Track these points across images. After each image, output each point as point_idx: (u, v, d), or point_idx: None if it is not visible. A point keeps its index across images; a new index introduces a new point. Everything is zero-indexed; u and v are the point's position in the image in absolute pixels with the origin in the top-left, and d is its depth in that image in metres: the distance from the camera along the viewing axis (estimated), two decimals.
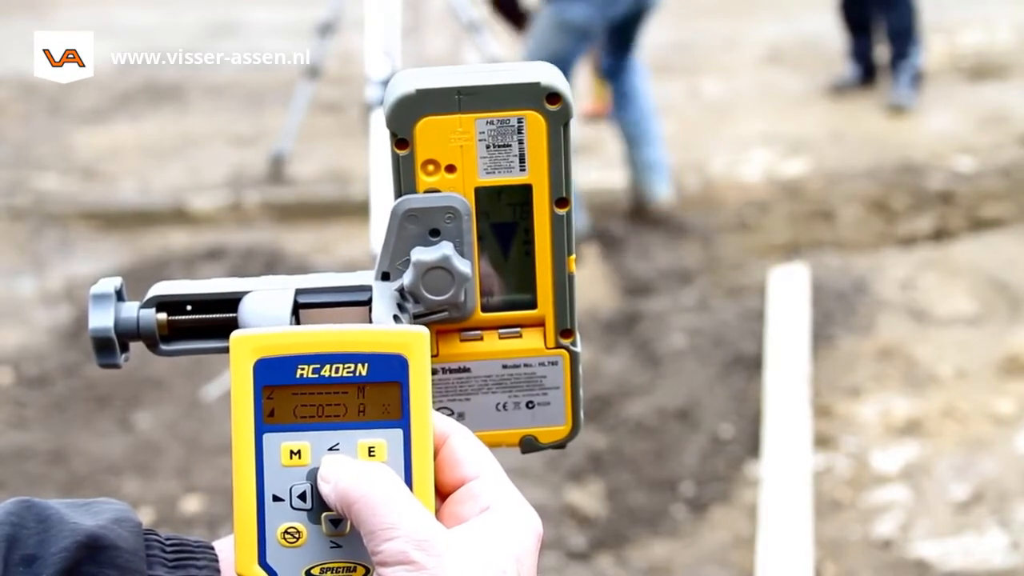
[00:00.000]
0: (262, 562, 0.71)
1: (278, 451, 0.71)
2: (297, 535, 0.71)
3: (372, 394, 0.71)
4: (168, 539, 0.78)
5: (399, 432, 0.70)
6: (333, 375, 0.70)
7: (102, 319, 0.77)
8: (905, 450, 3.43)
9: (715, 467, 3.46)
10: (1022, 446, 3.41)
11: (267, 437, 0.71)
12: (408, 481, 0.70)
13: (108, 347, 0.78)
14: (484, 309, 0.81)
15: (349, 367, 0.70)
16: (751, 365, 3.85)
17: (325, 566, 0.71)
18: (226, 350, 0.77)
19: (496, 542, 0.68)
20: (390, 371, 0.70)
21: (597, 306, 4.34)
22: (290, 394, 0.70)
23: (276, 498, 0.71)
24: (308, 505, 0.70)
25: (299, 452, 0.70)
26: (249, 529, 0.71)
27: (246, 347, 0.71)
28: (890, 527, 3.14)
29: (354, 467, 0.70)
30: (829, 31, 6.95)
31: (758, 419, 3.58)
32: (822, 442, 3.47)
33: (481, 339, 0.81)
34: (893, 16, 6.33)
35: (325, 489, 0.70)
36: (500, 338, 0.81)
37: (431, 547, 0.66)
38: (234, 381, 0.71)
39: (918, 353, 3.86)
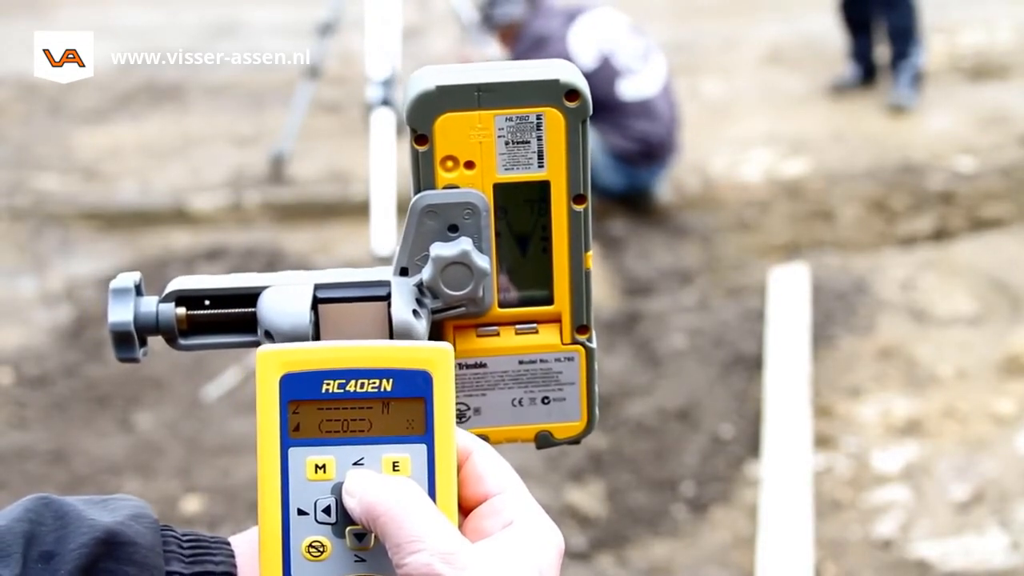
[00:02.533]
0: None
1: (303, 465, 0.71)
2: (321, 549, 0.71)
3: (397, 409, 0.71)
4: (185, 535, 0.78)
5: (423, 447, 0.71)
6: (358, 390, 0.71)
7: (122, 313, 0.77)
8: (905, 450, 3.43)
9: (715, 467, 3.46)
10: (1022, 446, 3.41)
11: (292, 451, 0.71)
12: (432, 496, 0.70)
13: (127, 341, 0.78)
14: (501, 305, 0.81)
15: (374, 382, 0.71)
16: (751, 365, 3.86)
17: None
18: (244, 344, 0.78)
19: (520, 556, 0.69)
20: (415, 387, 0.71)
21: (597, 306, 4.32)
22: (316, 409, 0.71)
23: (301, 512, 0.71)
24: (333, 519, 0.71)
25: (324, 466, 0.71)
26: (274, 543, 0.71)
27: (272, 362, 0.71)
28: (890, 527, 3.14)
29: (380, 481, 0.70)
30: (829, 31, 6.95)
31: (758, 419, 3.58)
32: (822, 442, 3.47)
33: (498, 335, 0.82)
34: (894, 16, 6.33)
35: (350, 503, 0.70)
36: (517, 334, 0.82)
37: (456, 560, 0.66)
38: (260, 395, 0.71)
39: (918, 353, 3.86)
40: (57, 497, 0.75)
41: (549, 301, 0.81)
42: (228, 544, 0.79)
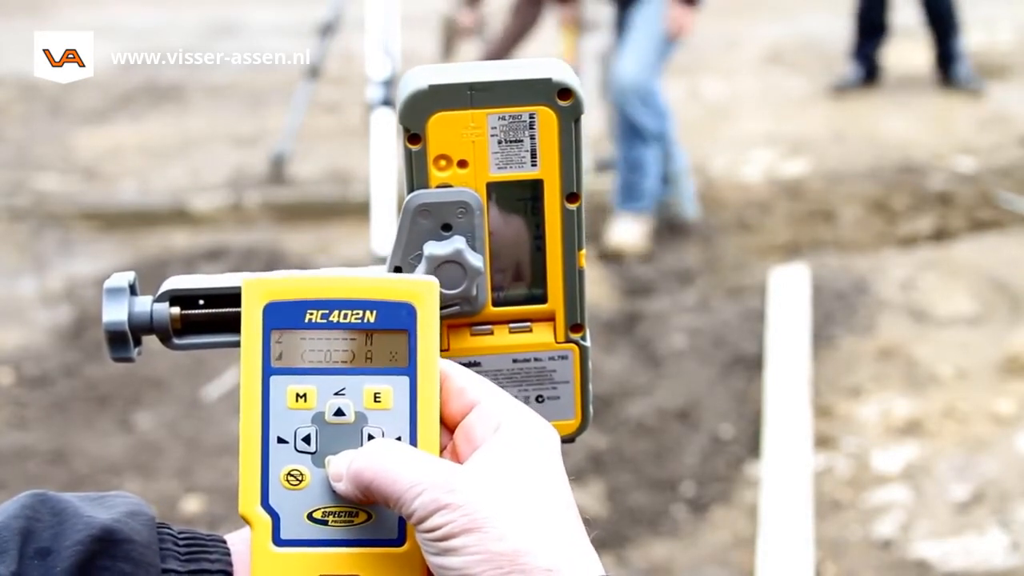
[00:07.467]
0: (264, 504, 0.71)
1: (284, 394, 0.72)
2: (300, 478, 0.71)
3: (380, 341, 0.72)
4: (181, 533, 0.78)
5: (406, 379, 0.72)
6: (342, 321, 0.71)
7: (116, 313, 0.77)
8: (905, 450, 3.43)
9: (715, 467, 3.46)
10: (1022, 446, 3.41)
11: (274, 380, 0.72)
12: (413, 426, 0.71)
13: (122, 341, 0.78)
14: (495, 303, 0.81)
15: (358, 313, 0.71)
16: (751, 365, 3.86)
17: (327, 509, 0.72)
18: (239, 344, 0.78)
19: (516, 455, 0.70)
20: (398, 319, 0.72)
21: (597, 306, 4.34)
22: (299, 338, 0.72)
23: (280, 440, 0.71)
24: (312, 449, 0.71)
25: (305, 395, 0.71)
26: (253, 471, 0.71)
27: (257, 291, 0.72)
28: (890, 527, 3.14)
29: (357, 452, 0.71)
30: (829, 31, 6.96)
31: (758, 419, 3.58)
32: (822, 442, 3.47)
33: (491, 333, 0.82)
34: (931, 2, 6.36)
35: (340, 486, 0.71)
36: (510, 332, 0.82)
37: (458, 485, 0.67)
38: (244, 323, 0.72)
39: (918, 353, 3.86)
40: (54, 493, 0.75)
41: (543, 300, 0.81)
42: (224, 542, 0.78)
